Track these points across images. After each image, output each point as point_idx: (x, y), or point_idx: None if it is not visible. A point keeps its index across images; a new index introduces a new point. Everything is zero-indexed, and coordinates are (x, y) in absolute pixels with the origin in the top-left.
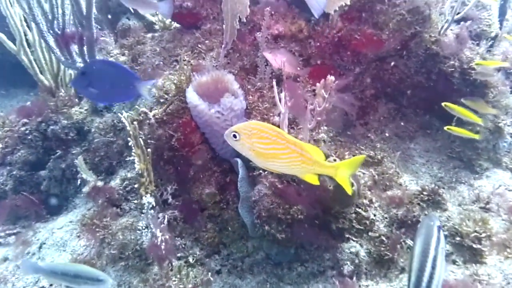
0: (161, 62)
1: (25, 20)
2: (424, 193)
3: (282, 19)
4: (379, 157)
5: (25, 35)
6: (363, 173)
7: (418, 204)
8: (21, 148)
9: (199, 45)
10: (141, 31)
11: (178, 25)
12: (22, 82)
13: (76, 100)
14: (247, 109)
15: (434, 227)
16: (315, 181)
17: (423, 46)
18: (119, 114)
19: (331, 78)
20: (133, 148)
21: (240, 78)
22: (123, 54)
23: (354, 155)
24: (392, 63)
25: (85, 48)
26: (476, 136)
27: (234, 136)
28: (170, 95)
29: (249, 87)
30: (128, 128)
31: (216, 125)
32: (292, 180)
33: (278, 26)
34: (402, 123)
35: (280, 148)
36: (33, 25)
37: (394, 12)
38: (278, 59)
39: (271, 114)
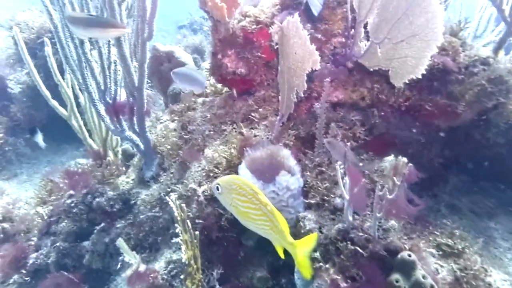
0: (212, 131)
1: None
2: None
3: (342, 86)
4: (459, 247)
5: (76, 98)
6: (441, 266)
7: None
8: (66, 218)
9: (252, 114)
10: (191, 96)
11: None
12: (73, 138)
13: (123, 168)
14: (304, 187)
15: None
16: (281, 253)
17: (505, 116)
18: (168, 198)
19: (403, 160)
20: (180, 234)
21: (295, 149)
22: (173, 121)
23: (428, 241)
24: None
25: (135, 118)
26: None
27: (217, 188)
28: (220, 169)
29: (306, 162)
30: (176, 213)
31: None
32: (357, 275)
33: (337, 93)
34: (478, 198)
35: (254, 208)
36: (85, 93)
37: (472, 82)
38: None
39: (332, 195)
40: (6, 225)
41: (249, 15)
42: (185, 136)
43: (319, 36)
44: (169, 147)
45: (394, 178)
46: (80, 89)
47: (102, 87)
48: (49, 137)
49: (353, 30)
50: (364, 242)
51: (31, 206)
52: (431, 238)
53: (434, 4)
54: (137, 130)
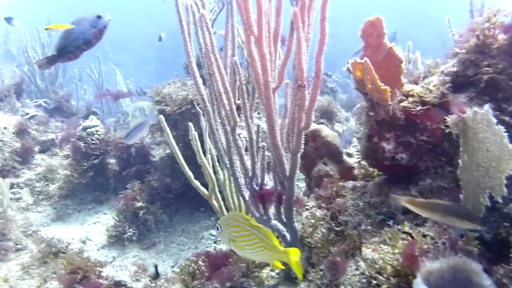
0: (368, 226)
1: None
2: None
3: None
4: None
5: (216, 174)
6: None
7: None
8: None
9: None
10: (339, 179)
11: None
12: (205, 205)
13: None
14: None
15: None
16: (279, 265)
17: None
18: None
19: None
20: None
21: (477, 256)
22: (320, 207)
23: None
24: None
25: (282, 207)
26: None
27: (217, 228)
28: (383, 276)
29: (504, 280)
30: None
31: None
32: None
33: None
34: None
35: (247, 234)
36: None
37: None
38: None
39: None
40: None
41: (412, 95)
42: (336, 228)
43: (507, 118)
44: (318, 240)
45: None
46: (220, 168)
47: (250, 174)
48: (183, 203)
49: None
50: None
51: (171, 283)
52: None
53: None
54: (284, 220)
